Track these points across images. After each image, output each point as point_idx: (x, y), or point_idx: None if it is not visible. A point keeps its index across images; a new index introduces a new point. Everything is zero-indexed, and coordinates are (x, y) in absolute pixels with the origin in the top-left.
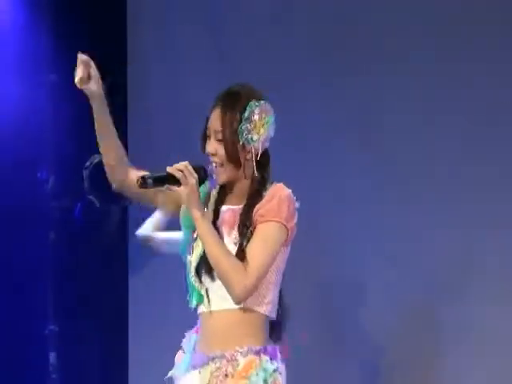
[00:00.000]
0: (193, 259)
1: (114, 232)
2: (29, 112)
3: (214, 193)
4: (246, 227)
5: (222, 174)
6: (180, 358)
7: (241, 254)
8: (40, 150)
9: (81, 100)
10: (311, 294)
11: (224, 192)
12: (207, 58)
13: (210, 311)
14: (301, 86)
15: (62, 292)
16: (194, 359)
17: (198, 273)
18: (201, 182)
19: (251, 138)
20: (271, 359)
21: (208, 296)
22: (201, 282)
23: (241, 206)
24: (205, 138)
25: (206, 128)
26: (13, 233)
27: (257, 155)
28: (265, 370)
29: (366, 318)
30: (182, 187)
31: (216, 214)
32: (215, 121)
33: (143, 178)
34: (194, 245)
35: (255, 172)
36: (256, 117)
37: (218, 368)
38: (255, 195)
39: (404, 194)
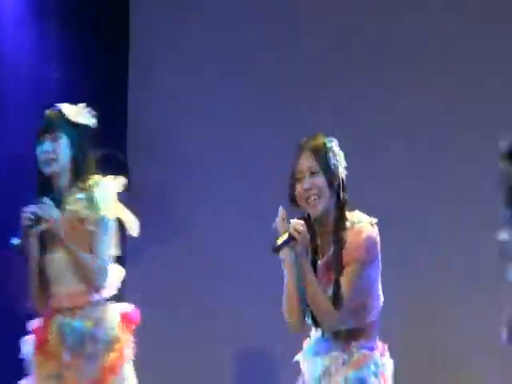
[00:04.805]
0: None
1: None
2: None
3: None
4: (338, 270)
5: (319, 203)
6: (307, 343)
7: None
8: None
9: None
10: None
11: (314, 240)
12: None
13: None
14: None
15: None
16: (317, 347)
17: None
18: None
19: (339, 163)
20: (381, 356)
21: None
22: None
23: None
24: (293, 184)
25: (293, 175)
26: None
27: (343, 180)
28: (376, 364)
29: None
30: (298, 244)
31: (313, 265)
32: (306, 160)
33: (275, 248)
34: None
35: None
36: (335, 148)
37: (337, 357)
38: (339, 238)
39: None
